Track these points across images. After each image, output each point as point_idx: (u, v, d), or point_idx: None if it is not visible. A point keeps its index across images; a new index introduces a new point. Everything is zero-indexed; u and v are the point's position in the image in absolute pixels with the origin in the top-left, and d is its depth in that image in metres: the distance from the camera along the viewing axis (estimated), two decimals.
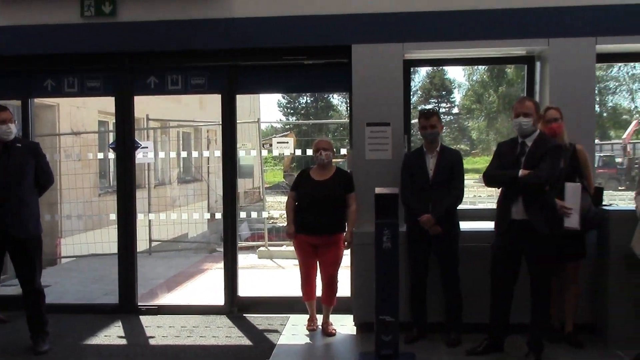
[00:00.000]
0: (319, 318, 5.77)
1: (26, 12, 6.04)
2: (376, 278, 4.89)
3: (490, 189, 5.18)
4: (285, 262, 9.50)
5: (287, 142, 10.64)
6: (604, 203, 5.31)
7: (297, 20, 5.75)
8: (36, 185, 5.17)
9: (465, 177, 5.36)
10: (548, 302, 4.77)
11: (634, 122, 30.22)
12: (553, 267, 4.79)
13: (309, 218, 5.48)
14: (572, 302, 5.16)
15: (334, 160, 5.73)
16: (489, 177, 4.88)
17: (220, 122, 6.36)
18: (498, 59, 6.29)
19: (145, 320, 6.09)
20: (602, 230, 5.15)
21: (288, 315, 6.12)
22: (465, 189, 5.31)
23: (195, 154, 12.59)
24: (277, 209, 15.71)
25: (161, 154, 11.68)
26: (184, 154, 12.94)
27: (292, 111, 43.33)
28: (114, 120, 6.52)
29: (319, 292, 5.73)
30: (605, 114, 37.84)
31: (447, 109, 41.82)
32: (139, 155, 7.23)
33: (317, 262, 5.63)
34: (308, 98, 42.15)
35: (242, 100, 6.18)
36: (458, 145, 33.54)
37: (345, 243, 5.53)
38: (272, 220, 14.92)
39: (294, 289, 6.28)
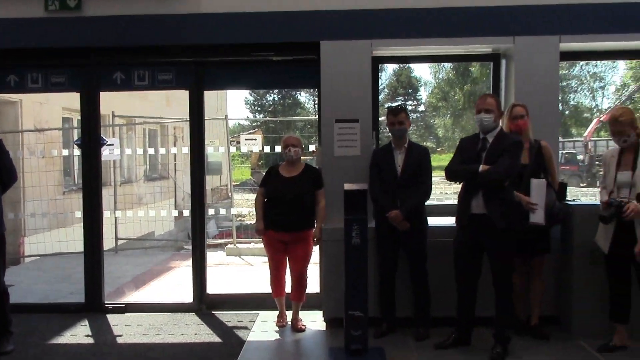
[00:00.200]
0: (289, 314, 5.78)
1: None
2: (345, 274, 4.92)
3: (457, 185, 5.23)
4: (253, 260, 9.48)
5: (255, 139, 10.61)
6: (567, 199, 5.43)
7: (265, 16, 5.73)
8: None
9: (433, 174, 5.42)
10: (510, 295, 4.85)
11: (595, 120, 30.89)
12: (513, 261, 4.89)
13: (278, 215, 5.48)
14: (538, 295, 5.26)
15: (302, 157, 5.73)
16: (451, 172, 4.95)
17: (187, 119, 6.32)
18: (465, 56, 6.36)
19: (112, 318, 6.01)
20: (566, 225, 5.26)
21: (257, 312, 6.10)
22: (432, 185, 5.36)
23: (162, 150, 12.44)
24: (244, 206, 15.65)
25: (127, 151, 11.52)
26: (150, 151, 12.79)
27: (259, 108, 43.16)
28: (79, 117, 6.41)
29: (288, 288, 5.74)
30: (567, 112, 38.58)
31: (413, 107, 42.17)
32: (105, 152, 7.13)
33: (287, 258, 5.63)
34: (275, 95, 42.04)
35: (209, 97, 6.13)
36: (424, 143, 33.79)
37: (315, 239, 5.55)
38: (240, 218, 14.87)
39: (263, 286, 6.29)
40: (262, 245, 5.93)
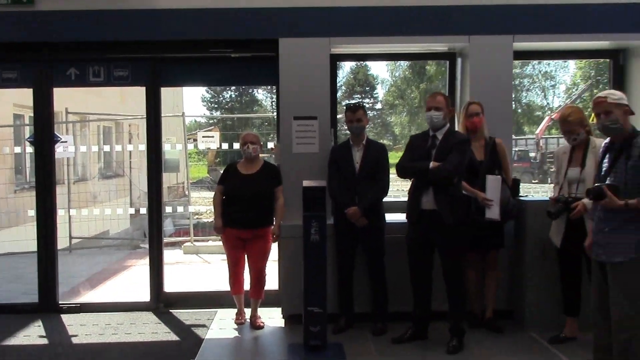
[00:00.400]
0: (247, 312, 5.77)
1: None
2: (304, 270, 4.94)
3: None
4: (211, 257, 9.41)
5: (213, 137, 10.53)
6: (520, 195, 5.56)
7: (223, 12, 5.69)
8: None
9: (390, 171, 5.48)
10: (462, 289, 4.97)
11: (546, 119, 31.57)
12: (463, 256, 5.00)
13: (236, 212, 5.47)
14: (492, 290, 5.39)
15: (260, 154, 5.73)
16: (402, 169, 5.02)
17: (143, 116, 6.24)
18: (421, 54, 6.44)
19: (67, 319, 5.90)
20: (519, 221, 5.39)
21: (215, 309, 6.07)
22: (390, 182, 5.42)
23: (118, 147, 12.24)
24: (201, 204, 15.51)
25: (82, 149, 11.29)
26: (105, 149, 12.56)
27: (216, 105, 42.80)
28: (31, 114, 6.27)
29: (246, 285, 5.73)
30: (520, 110, 39.36)
31: (370, 105, 42.42)
32: (59, 150, 6.98)
33: (245, 255, 5.63)
34: (232, 92, 41.74)
35: (165, 94, 6.05)
36: (382, 140, 33.89)
37: (274, 236, 5.55)
38: (197, 216, 14.73)
39: (221, 284, 6.26)
40: (219, 243, 5.91)
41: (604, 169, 3.96)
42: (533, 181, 26.89)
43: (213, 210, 5.75)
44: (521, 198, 5.46)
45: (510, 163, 5.48)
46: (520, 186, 5.60)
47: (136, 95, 13.04)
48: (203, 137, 10.54)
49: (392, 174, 5.33)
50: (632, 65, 6.05)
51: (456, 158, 4.77)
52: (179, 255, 9.80)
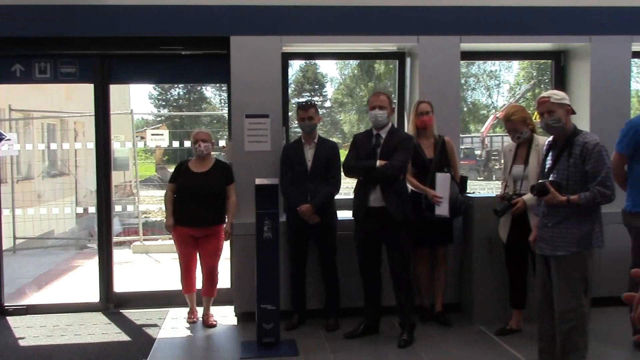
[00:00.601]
0: (200, 310, 5.75)
1: None
2: (257, 268, 4.96)
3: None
4: (161, 256, 9.31)
5: (162, 134, 10.41)
6: (467, 191, 5.71)
7: (174, 9, 5.62)
8: None
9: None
10: (410, 283, 5.07)
11: (491, 117, 32.29)
12: (410, 251, 5.11)
13: (188, 210, 5.44)
14: (441, 284, 5.52)
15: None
16: (349, 168, 5.09)
17: (90, 113, 6.13)
18: (371, 54, 6.53)
19: (13, 321, 5.76)
20: (467, 216, 5.54)
21: (167, 309, 6.02)
22: (342, 180, 5.48)
23: (66, 146, 11.94)
24: (149, 202, 15.31)
25: (28, 147, 10.98)
26: (52, 146, 12.24)
27: (164, 103, 42.17)
28: None
29: (198, 284, 5.70)
30: (465, 109, 40.14)
31: (320, 103, 42.57)
32: (4, 148, 6.79)
33: (197, 254, 5.61)
34: (180, 89, 41.21)
35: (112, 91, 5.95)
36: (331, 138, 33.92)
37: (226, 234, 5.55)
38: (145, 215, 14.54)
39: (172, 283, 6.22)
40: (169, 242, 5.87)
41: (547, 166, 4.12)
42: (478, 178, 27.52)
43: (164, 208, 5.69)
44: (468, 195, 5.61)
45: (458, 161, 5.62)
46: (467, 183, 5.76)
47: (81, 92, 12.79)
48: (152, 134, 10.41)
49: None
50: (572, 66, 6.28)
51: (402, 156, 4.88)
52: (128, 254, 9.66)
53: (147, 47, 5.88)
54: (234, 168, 5.68)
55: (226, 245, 5.72)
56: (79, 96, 13.66)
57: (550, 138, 4.16)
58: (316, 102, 6.52)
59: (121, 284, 6.47)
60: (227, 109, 5.87)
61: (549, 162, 4.11)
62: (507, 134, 5.13)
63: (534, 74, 35.99)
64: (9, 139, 7.99)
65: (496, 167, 28.72)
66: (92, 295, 6.20)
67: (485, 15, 5.82)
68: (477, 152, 31.30)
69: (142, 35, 5.69)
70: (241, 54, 5.68)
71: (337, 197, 5.49)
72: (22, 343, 5.17)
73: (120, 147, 10.15)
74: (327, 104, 42.88)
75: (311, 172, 5.33)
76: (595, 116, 5.85)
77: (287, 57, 6.07)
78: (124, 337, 5.28)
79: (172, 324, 5.62)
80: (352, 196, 5.22)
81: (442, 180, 5.17)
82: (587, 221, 3.91)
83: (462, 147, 29.09)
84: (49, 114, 13.52)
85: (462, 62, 6.07)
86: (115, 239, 7.70)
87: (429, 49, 5.83)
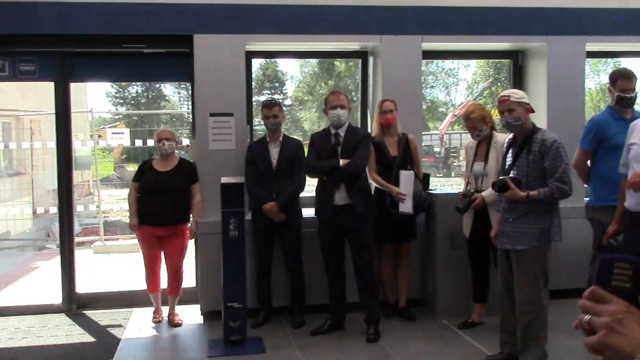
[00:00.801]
0: (165, 310, 5.73)
1: None
2: (223, 266, 4.96)
3: None
4: (123, 256, 9.20)
5: (123, 133, 10.29)
6: (430, 188, 5.82)
7: (136, 7, 5.57)
8: None
9: None
10: (374, 279, 5.16)
11: (449, 115, 32.76)
12: (373, 247, 5.20)
13: (152, 209, 5.41)
14: (405, 279, 5.62)
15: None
16: (312, 168, 5.14)
17: (47, 112, 6.02)
18: (335, 52, 6.59)
19: None
20: (430, 213, 5.64)
21: (131, 309, 5.97)
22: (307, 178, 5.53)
23: (25, 145, 11.67)
24: (108, 202, 15.08)
25: None
26: (11, 146, 11.95)
27: (121, 101, 41.50)
28: None
29: (163, 283, 5.68)
30: (424, 107, 40.54)
31: (280, 100, 42.41)
32: None
33: (162, 253, 5.58)
34: (139, 87, 40.61)
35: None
36: (291, 136, 33.97)
37: (191, 233, 5.54)
38: (104, 214, 14.33)
39: (136, 283, 6.18)
40: (131, 242, 5.82)
41: (507, 163, 4.23)
42: (438, 175, 27.86)
43: (128, 207, 5.65)
44: (431, 192, 5.71)
45: (421, 158, 5.72)
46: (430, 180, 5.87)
47: (38, 90, 12.52)
48: (113, 133, 10.27)
49: None
50: (530, 65, 6.45)
51: (364, 153, 4.97)
52: (89, 255, 9.51)
53: (109, 44, 5.82)
54: (198, 167, 5.66)
55: (190, 244, 5.70)
56: (35, 94, 13.36)
57: (510, 136, 4.28)
58: (279, 100, 6.53)
59: (83, 285, 6.38)
60: (186, 106, 5.85)
61: (509, 159, 4.23)
62: (465, 132, 5.26)
63: (491, 72, 36.62)
64: None
65: (455, 163, 29.19)
66: (54, 296, 6.11)
67: (446, 15, 5.93)
68: (436, 149, 31.70)
69: (103, 32, 5.63)
70: (205, 53, 5.67)
71: (303, 194, 5.53)
72: None
73: (81, 146, 9.99)
74: (288, 101, 42.83)
75: (276, 171, 5.36)
76: (552, 114, 6.01)
77: (250, 56, 6.08)
78: (89, 338, 5.22)
79: (137, 324, 5.58)
80: (314, 194, 5.26)
81: (406, 177, 5.26)
82: (546, 216, 4.04)
83: (422, 144, 29.42)
84: (4, 112, 13.19)
85: (424, 60, 6.16)
86: (76, 239, 7.60)
87: (391, 48, 5.91)
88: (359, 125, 6.17)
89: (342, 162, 4.92)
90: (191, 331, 5.46)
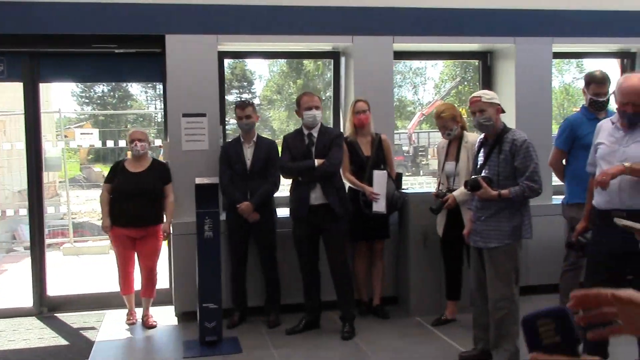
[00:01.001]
0: (138, 311, 5.69)
1: None
2: (198, 267, 4.96)
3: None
4: (93, 258, 9.08)
5: (92, 133, 10.16)
6: (402, 187, 5.89)
7: (107, 7, 5.51)
8: None
9: None
10: (349, 277, 5.23)
11: (417, 114, 33.01)
12: (348, 246, 5.27)
13: (125, 210, 5.37)
14: (379, 278, 5.67)
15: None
16: (288, 169, 5.17)
17: (15, 112, 5.92)
18: (307, 53, 6.63)
19: None
20: (403, 212, 5.70)
21: (104, 311, 5.92)
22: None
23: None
24: (74, 203, 14.87)
25: None
26: None
27: (87, 100, 40.85)
28: None
29: (137, 285, 5.65)
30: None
31: (252, 101, 42.15)
32: None
33: (135, 254, 5.55)
34: (105, 87, 40.03)
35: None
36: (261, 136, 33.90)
37: (164, 234, 5.52)
38: (72, 215, 14.12)
39: (108, 285, 6.13)
40: (101, 243, 5.77)
41: (479, 162, 4.32)
42: (407, 174, 28.08)
43: (100, 209, 5.60)
44: (403, 191, 5.78)
45: (394, 158, 5.79)
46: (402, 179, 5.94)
47: (2, 91, 12.28)
48: (82, 133, 10.13)
49: None
50: (498, 66, 6.57)
51: (338, 153, 5.04)
52: (59, 257, 9.37)
53: (79, 45, 5.75)
54: (171, 168, 5.64)
55: (164, 245, 5.68)
56: (1, 94, 13.12)
57: (482, 136, 4.37)
58: (252, 101, 6.53)
59: (54, 288, 6.30)
60: (154, 106, 5.82)
61: (480, 159, 4.31)
62: (433, 130, 5.36)
63: (457, 71, 37.00)
64: None
65: (423, 162, 29.42)
66: (25, 299, 6.02)
67: (417, 16, 6.00)
68: (405, 149, 31.92)
69: (73, 32, 5.56)
70: (177, 53, 5.64)
71: (277, 194, 5.55)
72: None
73: (52, 146, 9.84)
74: (257, 101, 42.73)
75: (250, 171, 5.37)
76: (520, 113, 6.13)
77: (223, 56, 6.08)
78: (62, 342, 5.16)
79: (111, 326, 5.54)
80: (289, 194, 5.29)
81: (379, 177, 5.32)
82: (517, 214, 4.13)
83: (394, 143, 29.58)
84: None
85: (395, 61, 6.24)
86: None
87: (363, 49, 5.96)
88: (331, 126, 6.22)
89: (317, 162, 4.96)
90: (166, 332, 5.44)
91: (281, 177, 5.46)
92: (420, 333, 5.21)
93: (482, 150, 4.32)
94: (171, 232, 5.51)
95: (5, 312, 5.91)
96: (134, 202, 5.35)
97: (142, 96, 40.58)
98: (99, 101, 40.20)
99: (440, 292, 5.52)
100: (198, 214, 4.94)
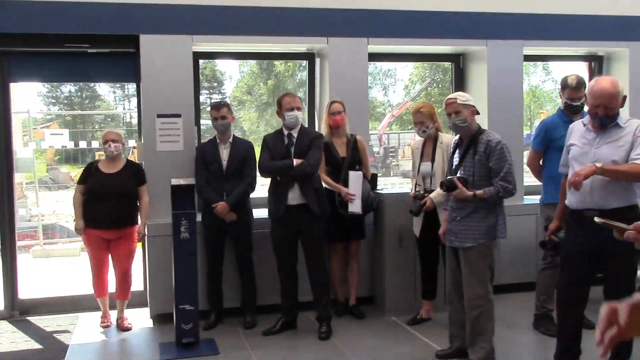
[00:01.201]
0: (113, 314, 5.64)
1: None
2: (175, 268, 4.93)
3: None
4: (64, 260, 8.94)
5: (62, 134, 10.01)
6: (377, 188, 5.94)
7: (80, 6, 5.44)
8: None
9: None
10: (326, 277, 5.26)
11: (388, 115, 33.21)
12: (324, 245, 5.30)
13: (99, 212, 5.31)
14: (355, 278, 5.72)
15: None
16: (266, 169, 5.17)
17: None
18: (282, 54, 6.64)
19: None
20: (378, 212, 5.75)
21: (77, 314, 5.85)
22: (257, 178, 5.54)
23: None
24: (41, 205, 14.63)
25: None
26: None
27: (53, 100, 40.17)
28: None
29: (111, 287, 5.59)
30: None
31: (224, 100, 41.84)
32: None
33: (109, 256, 5.49)
34: (72, 87, 39.40)
35: None
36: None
37: (139, 235, 5.47)
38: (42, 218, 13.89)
39: (80, 287, 6.05)
40: (71, 245, 5.69)
41: (454, 163, 4.38)
42: (378, 174, 28.25)
43: (74, 211, 5.53)
44: (379, 192, 5.83)
45: (369, 159, 5.83)
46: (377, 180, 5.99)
47: None
48: (52, 134, 9.98)
49: None
50: (470, 68, 6.67)
51: (317, 153, 5.06)
52: (28, 259, 9.21)
53: (51, 44, 5.67)
54: (146, 168, 5.60)
55: (138, 247, 5.64)
56: None
57: (457, 137, 4.43)
58: (215, 101, 6.51)
59: (26, 290, 6.19)
60: (122, 106, 5.77)
61: (456, 160, 4.38)
62: (403, 132, 5.41)
63: (427, 73, 37.30)
64: None
65: (394, 163, 29.61)
66: None
67: (391, 18, 6.05)
68: (375, 149, 32.09)
69: (46, 32, 5.48)
70: (151, 53, 5.60)
71: (253, 195, 5.55)
72: None
73: (23, 147, 9.66)
74: (227, 101, 42.58)
75: (227, 171, 5.37)
76: (492, 115, 6.23)
77: (197, 57, 6.05)
78: (35, 345, 5.08)
79: (85, 329, 5.47)
80: (266, 194, 5.30)
81: (355, 178, 5.36)
82: (492, 214, 4.21)
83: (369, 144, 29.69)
84: None
85: (370, 62, 6.28)
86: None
87: (338, 50, 5.99)
88: (306, 126, 6.23)
89: (295, 162, 4.98)
90: (141, 335, 5.39)
91: (257, 179, 5.46)
92: (396, 332, 5.25)
93: (457, 151, 4.39)
94: (146, 233, 5.47)
95: None
96: (108, 204, 5.29)
97: (111, 96, 40.03)
98: (65, 101, 39.57)
99: (415, 291, 5.59)
100: (174, 215, 4.91)
